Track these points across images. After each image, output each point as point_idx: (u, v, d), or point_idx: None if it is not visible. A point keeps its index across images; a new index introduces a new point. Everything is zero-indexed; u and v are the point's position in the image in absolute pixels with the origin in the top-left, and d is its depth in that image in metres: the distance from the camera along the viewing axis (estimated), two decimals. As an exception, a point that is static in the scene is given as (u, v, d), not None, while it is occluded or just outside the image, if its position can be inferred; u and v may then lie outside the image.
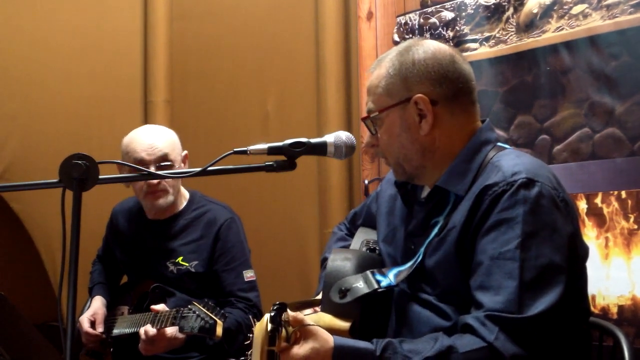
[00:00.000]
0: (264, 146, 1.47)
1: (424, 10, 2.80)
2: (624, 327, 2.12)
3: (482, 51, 2.59)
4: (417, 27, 2.81)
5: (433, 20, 2.76)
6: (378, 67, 1.58)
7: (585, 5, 2.30)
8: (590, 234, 2.26)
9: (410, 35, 2.83)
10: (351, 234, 1.92)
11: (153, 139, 2.33)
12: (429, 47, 1.55)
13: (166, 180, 2.33)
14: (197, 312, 2.04)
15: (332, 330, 1.41)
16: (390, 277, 1.53)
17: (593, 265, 2.17)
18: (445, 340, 1.33)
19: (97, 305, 2.48)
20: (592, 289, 2.13)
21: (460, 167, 1.51)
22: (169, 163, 2.32)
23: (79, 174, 1.34)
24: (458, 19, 2.67)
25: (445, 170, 1.53)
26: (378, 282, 1.52)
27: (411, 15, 2.84)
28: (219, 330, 2.03)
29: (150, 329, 2.12)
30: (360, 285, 1.51)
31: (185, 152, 2.44)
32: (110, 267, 2.68)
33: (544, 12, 2.41)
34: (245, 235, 2.49)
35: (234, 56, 3.54)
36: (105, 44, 3.59)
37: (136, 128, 2.44)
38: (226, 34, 3.56)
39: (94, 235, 2.69)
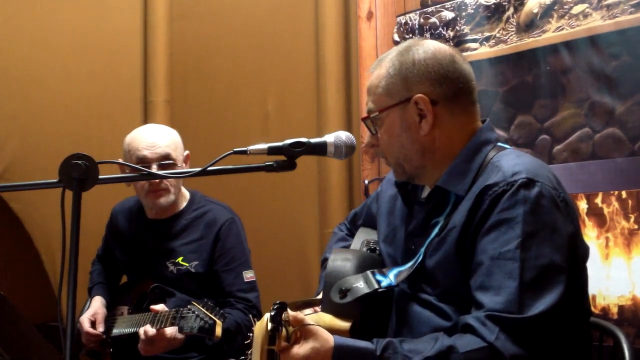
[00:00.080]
0: (264, 146, 1.47)
1: (424, 10, 2.79)
2: (624, 327, 2.12)
3: (482, 51, 2.59)
4: (417, 27, 2.81)
5: (433, 20, 2.76)
6: (378, 67, 1.58)
7: (586, 5, 2.30)
8: (590, 234, 2.26)
9: (410, 35, 2.83)
10: (351, 234, 1.92)
11: (156, 137, 2.33)
12: (429, 47, 1.55)
13: (168, 179, 2.33)
14: (196, 313, 2.04)
15: (333, 330, 1.40)
16: (390, 277, 1.53)
17: (593, 266, 2.17)
18: (445, 340, 1.33)
19: (97, 305, 2.47)
20: (592, 289, 2.13)
21: (460, 167, 1.51)
22: (170, 162, 2.32)
23: (78, 174, 1.34)
24: (458, 18, 2.67)
25: (446, 170, 1.53)
26: (378, 282, 1.52)
27: (411, 15, 2.84)
28: (219, 331, 2.03)
29: (150, 329, 2.12)
30: (360, 285, 1.51)
31: (187, 152, 2.44)
32: (110, 267, 2.68)
33: (544, 12, 2.41)
34: (245, 235, 2.49)
35: (234, 56, 3.54)
36: (105, 44, 3.59)
37: (138, 127, 2.44)
38: (226, 34, 3.56)
39: (94, 235, 2.69)
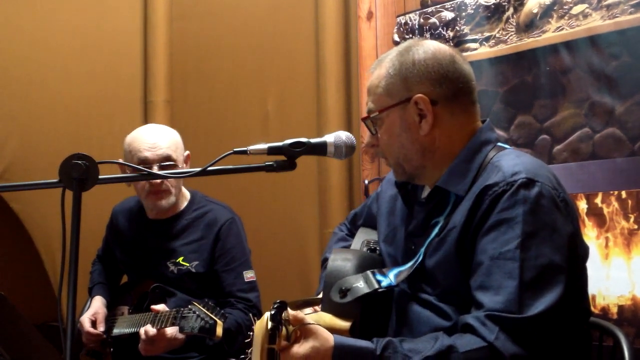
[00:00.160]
0: (264, 146, 1.47)
1: (424, 10, 2.80)
2: (624, 327, 2.12)
3: (482, 51, 2.59)
4: (417, 27, 2.81)
5: (433, 20, 2.76)
6: (378, 67, 1.58)
7: (585, 5, 2.30)
8: (590, 234, 2.26)
9: (410, 35, 2.83)
10: (352, 234, 1.92)
11: (156, 138, 2.33)
12: (429, 47, 1.55)
13: (169, 180, 2.33)
14: (197, 313, 2.04)
15: (333, 330, 1.40)
16: (390, 277, 1.53)
17: (593, 266, 2.17)
18: (445, 340, 1.33)
19: (98, 305, 2.47)
20: (592, 289, 2.13)
21: (460, 167, 1.51)
22: (171, 163, 2.31)
23: (78, 174, 1.34)
24: (458, 19, 2.67)
25: (446, 170, 1.53)
26: (378, 282, 1.52)
27: (411, 15, 2.84)
28: (219, 331, 2.03)
29: (150, 329, 2.12)
30: (360, 285, 1.51)
31: (188, 152, 2.44)
32: (110, 267, 2.68)
33: (544, 12, 2.41)
34: (245, 235, 2.49)
35: (234, 56, 3.54)
36: (105, 44, 3.59)
37: (138, 127, 2.44)
38: (226, 34, 3.56)
39: (94, 235, 2.69)
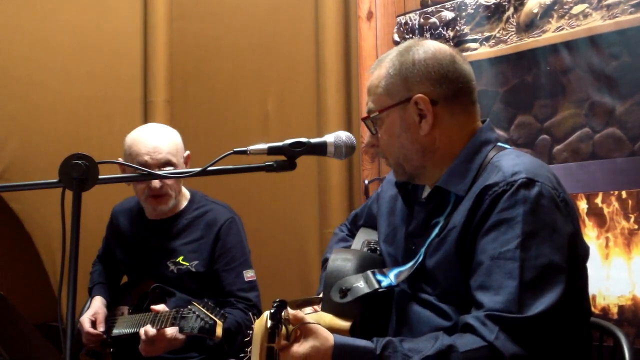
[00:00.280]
0: (264, 146, 1.47)
1: (424, 10, 2.79)
2: (624, 327, 2.12)
3: (482, 51, 2.59)
4: (417, 27, 2.81)
5: (433, 20, 2.76)
6: (378, 67, 1.58)
7: (586, 5, 2.30)
8: (590, 234, 2.26)
9: (410, 35, 2.83)
10: (352, 234, 1.92)
11: (157, 142, 2.31)
12: (429, 47, 1.55)
13: (168, 184, 2.32)
14: (197, 313, 2.04)
15: (333, 330, 1.41)
16: (390, 277, 1.53)
17: (593, 266, 2.17)
18: (445, 340, 1.33)
19: (98, 305, 2.47)
20: (592, 289, 2.12)
21: (460, 167, 1.51)
22: (172, 168, 2.30)
23: (78, 174, 1.34)
24: (458, 18, 2.67)
25: (446, 170, 1.53)
26: (379, 282, 1.52)
27: (411, 15, 2.84)
28: (219, 331, 2.03)
29: (150, 329, 2.12)
30: (360, 285, 1.51)
31: (188, 152, 2.43)
32: (110, 267, 2.68)
33: (544, 12, 2.41)
34: (245, 235, 2.49)
35: (234, 56, 3.54)
36: (105, 44, 3.59)
37: (138, 127, 2.43)
38: (226, 34, 3.56)
39: (94, 235, 2.69)
